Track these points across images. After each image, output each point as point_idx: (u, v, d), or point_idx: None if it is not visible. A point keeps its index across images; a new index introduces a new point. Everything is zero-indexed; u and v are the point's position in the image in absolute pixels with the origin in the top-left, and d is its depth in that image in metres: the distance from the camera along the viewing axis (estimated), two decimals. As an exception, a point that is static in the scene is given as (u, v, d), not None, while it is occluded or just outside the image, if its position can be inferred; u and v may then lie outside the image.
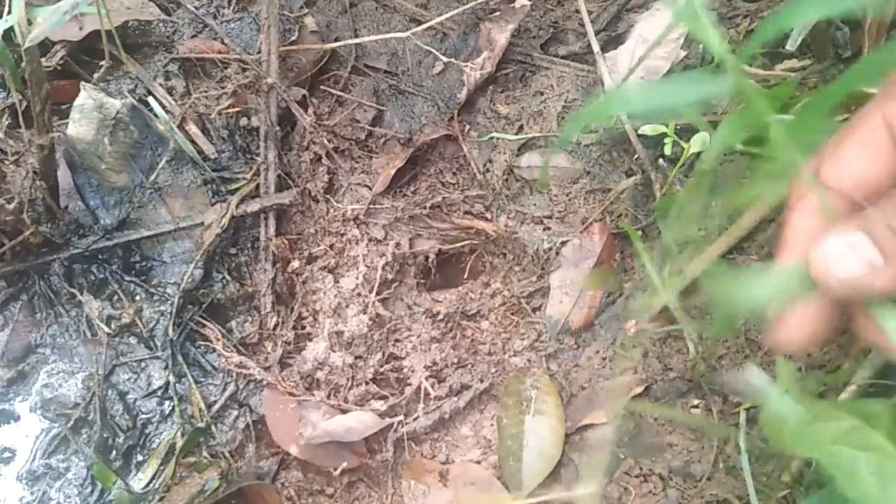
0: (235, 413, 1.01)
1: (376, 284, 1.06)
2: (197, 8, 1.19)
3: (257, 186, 1.09)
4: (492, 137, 1.11)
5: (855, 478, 0.52)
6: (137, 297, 1.06)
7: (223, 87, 1.13)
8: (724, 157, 0.99)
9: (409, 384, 1.01)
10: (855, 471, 0.52)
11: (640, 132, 1.04)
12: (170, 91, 1.14)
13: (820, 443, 0.54)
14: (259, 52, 1.12)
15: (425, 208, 1.09)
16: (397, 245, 1.08)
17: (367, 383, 1.01)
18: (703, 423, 0.92)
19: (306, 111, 1.12)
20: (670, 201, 0.96)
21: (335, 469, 0.94)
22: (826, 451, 0.53)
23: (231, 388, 1.01)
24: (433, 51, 1.13)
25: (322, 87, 1.17)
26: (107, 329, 1.03)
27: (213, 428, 0.99)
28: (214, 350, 1.02)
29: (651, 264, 0.90)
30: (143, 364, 1.03)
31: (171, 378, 1.01)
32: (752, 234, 0.96)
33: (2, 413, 0.99)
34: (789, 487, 0.83)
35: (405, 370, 1.03)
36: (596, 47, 1.09)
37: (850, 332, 0.86)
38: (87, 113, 1.04)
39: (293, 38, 1.14)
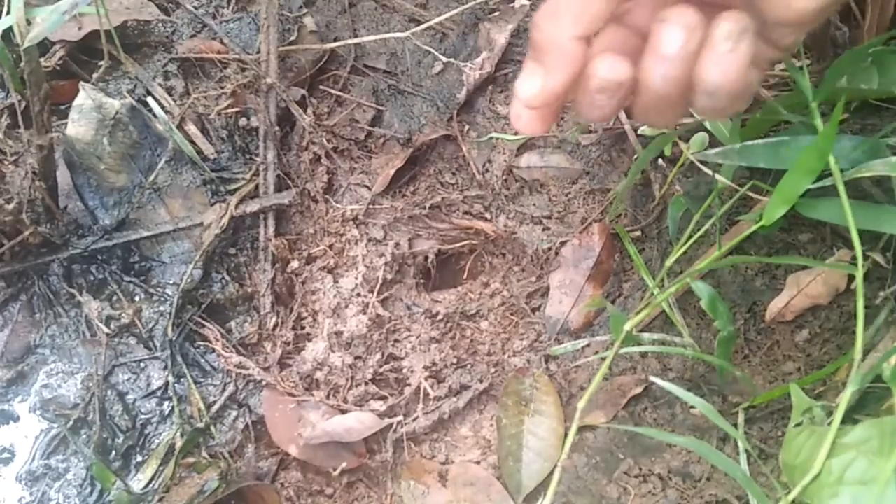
0: (235, 413, 1.01)
1: (376, 285, 1.06)
2: (196, 8, 1.19)
3: (256, 187, 1.09)
4: (491, 138, 1.11)
5: None
6: (137, 298, 1.06)
7: (222, 87, 1.13)
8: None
9: (409, 384, 1.01)
10: None
11: (639, 132, 1.04)
12: (169, 91, 1.14)
13: (838, 493, 0.55)
14: (258, 52, 1.12)
15: (425, 208, 1.09)
16: (397, 245, 1.08)
17: (366, 384, 1.01)
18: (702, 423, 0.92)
19: (305, 111, 1.12)
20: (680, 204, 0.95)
21: (334, 469, 0.94)
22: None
23: (230, 388, 1.01)
24: (432, 51, 1.13)
25: (321, 87, 1.17)
26: (106, 329, 1.03)
27: (212, 428, 0.99)
28: (214, 350, 1.02)
29: (645, 271, 0.90)
30: (142, 364, 1.03)
31: (171, 378, 1.01)
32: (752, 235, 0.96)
33: (1, 413, 0.99)
34: (788, 488, 0.83)
35: (404, 370, 1.03)
36: (595, 47, 1.09)
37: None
38: (86, 113, 1.04)
39: (292, 38, 1.14)
